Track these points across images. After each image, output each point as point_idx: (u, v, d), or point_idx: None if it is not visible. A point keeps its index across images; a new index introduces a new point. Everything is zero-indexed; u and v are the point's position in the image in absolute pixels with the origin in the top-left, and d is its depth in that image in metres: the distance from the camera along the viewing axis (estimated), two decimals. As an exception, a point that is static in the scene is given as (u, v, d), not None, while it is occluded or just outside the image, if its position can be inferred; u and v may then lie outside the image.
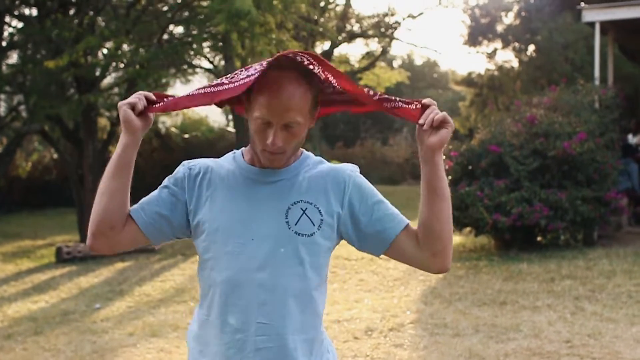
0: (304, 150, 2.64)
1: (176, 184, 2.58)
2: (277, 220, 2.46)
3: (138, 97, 2.45)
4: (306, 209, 2.48)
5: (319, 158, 2.64)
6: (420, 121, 2.42)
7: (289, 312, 2.46)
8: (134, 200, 2.57)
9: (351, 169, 2.60)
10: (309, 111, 2.43)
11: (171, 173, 2.61)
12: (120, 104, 2.43)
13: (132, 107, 2.43)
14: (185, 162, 2.64)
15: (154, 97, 2.48)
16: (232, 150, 2.73)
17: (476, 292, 9.59)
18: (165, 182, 2.61)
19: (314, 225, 2.47)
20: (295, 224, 2.46)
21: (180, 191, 2.56)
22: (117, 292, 10.87)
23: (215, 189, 2.53)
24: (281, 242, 2.45)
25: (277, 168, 2.49)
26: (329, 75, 2.37)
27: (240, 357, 2.46)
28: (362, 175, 2.61)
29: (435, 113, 2.41)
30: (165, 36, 17.48)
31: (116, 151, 2.49)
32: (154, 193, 2.60)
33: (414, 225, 2.55)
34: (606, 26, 15.38)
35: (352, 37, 26.41)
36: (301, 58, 2.33)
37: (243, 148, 2.65)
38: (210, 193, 2.53)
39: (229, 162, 2.61)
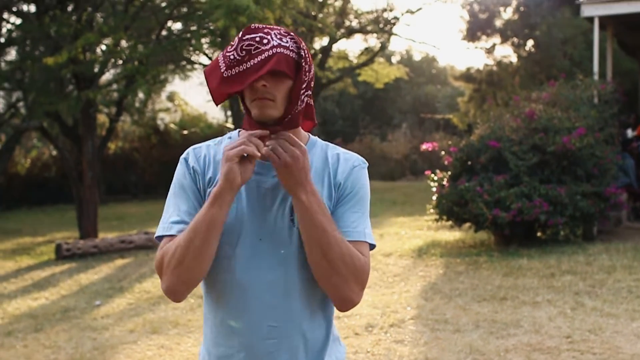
0: (310, 135, 2.58)
1: (190, 181, 2.50)
2: (282, 218, 2.41)
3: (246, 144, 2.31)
4: None
5: (325, 143, 2.59)
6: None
7: (297, 313, 2.43)
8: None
9: (358, 163, 2.53)
10: (294, 65, 2.35)
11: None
12: (229, 154, 2.30)
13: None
14: (181, 159, 2.56)
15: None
16: None
17: (476, 287, 9.59)
18: (178, 187, 2.51)
19: None
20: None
21: (196, 186, 2.50)
22: (117, 289, 10.87)
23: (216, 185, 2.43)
24: (287, 242, 2.41)
25: (270, 122, 2.36)
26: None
27: None
28: (366, 173, 2.55)
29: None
30: (164, 32, 17.46)
31: (216, 211, 2.32)
32: (182, 204, 2.49)
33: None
34: (605, 21, 15.37)
35: (350, 32, 26.35)
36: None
37: (237, 131, 2.59)
38: (212, 188, 2.43)
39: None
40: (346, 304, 2.41)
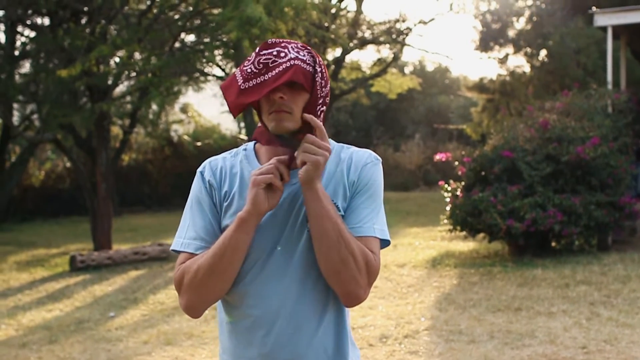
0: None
1: (206, 196, 2.52)
2: (300, 227, 2.42)
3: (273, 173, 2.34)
4: None
5: (340, 145, 2.58)
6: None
7: (314, 318, 2.44)
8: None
9: (370, 160, 2.54)
10: (311, 79, 2.38)
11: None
12: (257, 179, 2.34)
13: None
14: (197, 172, 2.58)
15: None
16: None
17: (490, 298, 9.57)
18: (194, 202, 2.54)
19: None
20: None
21: (212, 200, 2.52)
22: (131, 301, 10.88)
23: (234, 198, 2.48)
24: (304, 250, 2.42)
25: (287, 135, 2.38)
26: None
27: None
28: (380, 169, 2.55)
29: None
30: (177, 44, 17.51)
31: (242, 235, 2.35)
32: (199, 219, 2.51)
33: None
34: (618, 30, 15.35)
35: (363, 43, 26.33)
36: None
37: (253, 144, 2.60)
38: (229, 202, 2.48)
39: (241, 162, 2.55)
40: (352, 300, 2.43)
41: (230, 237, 2.34)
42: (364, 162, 2.52)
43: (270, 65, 2.33)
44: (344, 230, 2.34)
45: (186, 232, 2.50)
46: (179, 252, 2.50)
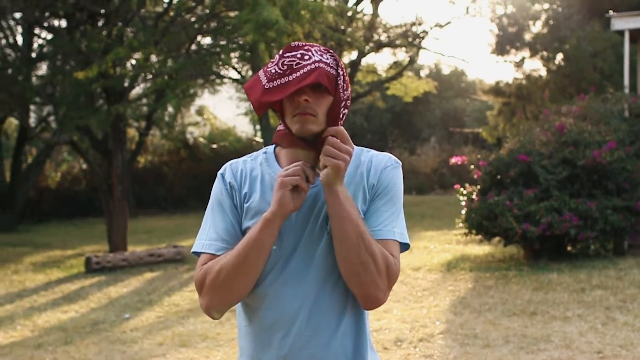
0: None
1: (227, 197, 2.53)
2: (320, 229, 2.43)
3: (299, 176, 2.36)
4: None
5: (360, 148, 2.59)
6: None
7: (332, 321, 2.44)
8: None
9: (390, 163, 2.54)
10: (335, 81, 2.40)
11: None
12: (284, 181, 2.35)
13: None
14: (218, 174, 2.60)
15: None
16: None
17: (506, 302, 9.54)
18: (215, 204, 2.56)
19: None
20: None
21: (233, 202, 2.53)
22: (146, 302, 10.90)
23: (254, 200, 2.49)
24: (324, 252, 2.42)
25: (311, 137, 2.40)
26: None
27: None
28: (399, 173, 2.56)
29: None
30: (194, 47, 17.56)
31: (266, 236, 2.36)
32: (220, 221, 2.52)
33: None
34: (635, 34, 15.28)
35: (379, 46, 26.32)
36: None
37: (273, 147, 2.62)
38: (250, 204, 2.49)
39: (262, 164, 2.57)
40: (372, 303, 2.42)
41: (255, 238, 2.35)
42: (384, 165, 2.53)
43: (295, 67, 2.35)
44: (365, 232, 2.35)
45: (207, 234, 2.51)
46: (199, 254, 2.51)
